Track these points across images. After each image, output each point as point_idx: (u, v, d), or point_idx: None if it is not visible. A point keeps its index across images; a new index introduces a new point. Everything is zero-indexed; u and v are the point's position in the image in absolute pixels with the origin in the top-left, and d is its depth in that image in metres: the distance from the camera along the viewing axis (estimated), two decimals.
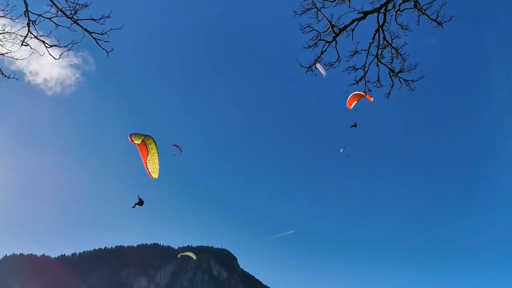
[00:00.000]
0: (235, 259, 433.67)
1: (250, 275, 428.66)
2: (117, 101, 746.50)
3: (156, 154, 27.78)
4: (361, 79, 18.19)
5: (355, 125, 41.33)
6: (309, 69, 17.79)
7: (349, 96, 37.39)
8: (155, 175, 28.50)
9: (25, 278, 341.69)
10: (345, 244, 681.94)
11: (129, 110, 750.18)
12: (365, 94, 32.69)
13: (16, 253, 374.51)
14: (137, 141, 26.94)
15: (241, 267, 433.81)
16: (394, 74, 17.93)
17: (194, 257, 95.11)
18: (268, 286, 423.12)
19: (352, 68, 17.98)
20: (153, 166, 27.99)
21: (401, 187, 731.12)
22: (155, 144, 27.83)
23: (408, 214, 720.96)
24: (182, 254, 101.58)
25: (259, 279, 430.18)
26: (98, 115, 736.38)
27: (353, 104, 38.13)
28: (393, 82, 18.27)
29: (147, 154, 27.68)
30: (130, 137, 27.01)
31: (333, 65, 17.80)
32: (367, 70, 18.04)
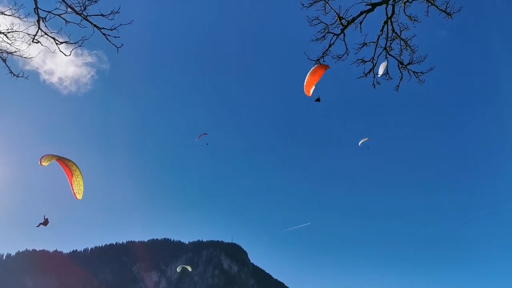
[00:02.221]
0: (246, 253, 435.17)
1: (261, 269, 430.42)
2: (132, 98, 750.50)
3: (80, 176, 28.69)
4: (369, 72, 18.13)
5: (318, 100, 38.20)
6: (317, 62, 17.77)
7: (306, 78, 30.71)
8: (79, 196, 29.43)
9: (38, 273, 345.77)
10: (359, 240, 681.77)
11: (143, 108, 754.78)
12: (325, 67, 29.74)
13: (28, 249, 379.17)
14: (45, 163, 27.59)
15: (251, 261, 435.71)
16: (403, 66, 17.85)
17: (189, 269, 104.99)
18: (278, 280, 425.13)
19: (361, 61, 17.93)
20: (78, 187, 28.94)
21: (410, 184, 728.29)
22: (77, 166, 28.72)
23: (417, 212, 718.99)
24: (180, 266, 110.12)
25: (270, 273, 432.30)
26: (113, 113, 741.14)
27: (312, 90, 32.92)
28: (402, 75, 18.21)
29: (72, 176, 28.57)
30: (40, 160, 27.57)
31: (341, 58, 17.75)
32: (376, 63, 17.98)
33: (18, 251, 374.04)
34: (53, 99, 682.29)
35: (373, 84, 18.52)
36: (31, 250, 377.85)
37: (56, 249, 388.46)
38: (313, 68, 30.02)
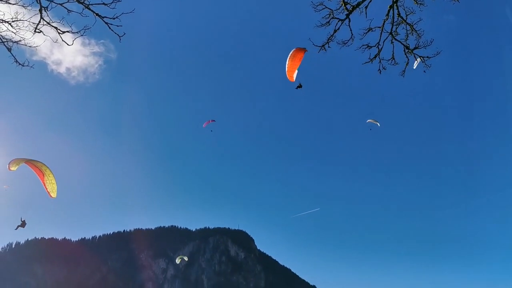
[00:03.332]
0: (252, 240, 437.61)
1: (268, 255, 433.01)
2: (140, 87, 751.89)
3: (51, 175, 29.00)
4: (375, 57, 17.91)
5: (300, 86, 36.91)
6: (322, 48, 17.55)
7: (287, 64, 30.33)
8: (53, 194, 29.91)
9: (47, 261, 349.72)
10: (367, 227, 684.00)
11: (151, 96, 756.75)
12: (303, 50, 29.11)
13: (37, 237, 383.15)
14: (13, 168, 28.01)
15: (258, 247, 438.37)
16: (409, 50, 17.61)
17: (186, 258, 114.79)
18: (285, 266, 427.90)
19: (366, 46, 17.69)
20: (51, 186, 29.35)
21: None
22: (47, 166, 28.95)
23: (425, 198, 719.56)
24: (179, 258, 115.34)
25: (277, 260, 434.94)
26: (121, 102, 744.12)
27: (295, 75, 32.20)
28: (408, 59, 17.98)
29: (43, 176, 28.86)
30: (8, 165, 27.77)
31: (346, 43, 17.53)
32: (381, 48, 17.75)
33: (27, 239, 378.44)
34: (61, 89, 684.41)
35: (379, 69, 18.33)
36: (40, 238, 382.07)
37: (64, 237, 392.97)
38: (291, 52, 29.58)
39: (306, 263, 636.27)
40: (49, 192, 29.31)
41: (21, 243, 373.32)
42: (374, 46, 17.67)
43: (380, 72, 18.32)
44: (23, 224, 37.75)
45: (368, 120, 64.50)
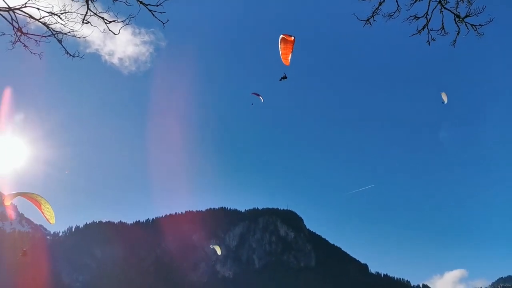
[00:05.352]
0: (301, 219, 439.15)
1: (317, 234, 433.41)
2: (191, 72, 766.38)
3: (47, 204, 30.09)
4: (423, 28, 17.24)
5: (285, 77, 35.02)
6: (367, 22, 17.06)
7: (280, 48, 29.54)
8: (52, 221, 30.98)
9: (105, 243, 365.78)
10: (424, 203, 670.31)
11: (201, 79, 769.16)
12: (292, 36, 28.30)
13: (95, 220, 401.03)
14: (7, 203, 29.75)
15: (307, 227, 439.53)
16: (460, 19, 16.81)
17: (219, 252, 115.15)
18: (335, 245, 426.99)
19: (414, 17, 17.05)
20: (49, 214, 30.42)
21: None
22: (41, 196, 30.05)
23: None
24: (211, 245, 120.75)
25: (326, 238, 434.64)
26: (172, 88, 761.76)
27: (290, 58, 29.97)
28: (459, 28, 17.17)
29: (40, 205, 30.00)
30: (3, 201, 29.00)
31: (392, 15, 16.94)
32: (430, 18, 17.04)
33: (86, 223, 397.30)
34: (114, 80, 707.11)
35: (428, 40, 17.62)
36: (97, 221, 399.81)
37: (120, 220, 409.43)
38: (281, 37, 28.84)
39: (357, 241, 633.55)
40: (48, 220, 30.98)
41: (80, 227, 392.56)
42: (422, 16, 16.97)
43: (429, 44, 17.61)
44: (24, 254, 40.60)
45: (444, 95, 64.08)
